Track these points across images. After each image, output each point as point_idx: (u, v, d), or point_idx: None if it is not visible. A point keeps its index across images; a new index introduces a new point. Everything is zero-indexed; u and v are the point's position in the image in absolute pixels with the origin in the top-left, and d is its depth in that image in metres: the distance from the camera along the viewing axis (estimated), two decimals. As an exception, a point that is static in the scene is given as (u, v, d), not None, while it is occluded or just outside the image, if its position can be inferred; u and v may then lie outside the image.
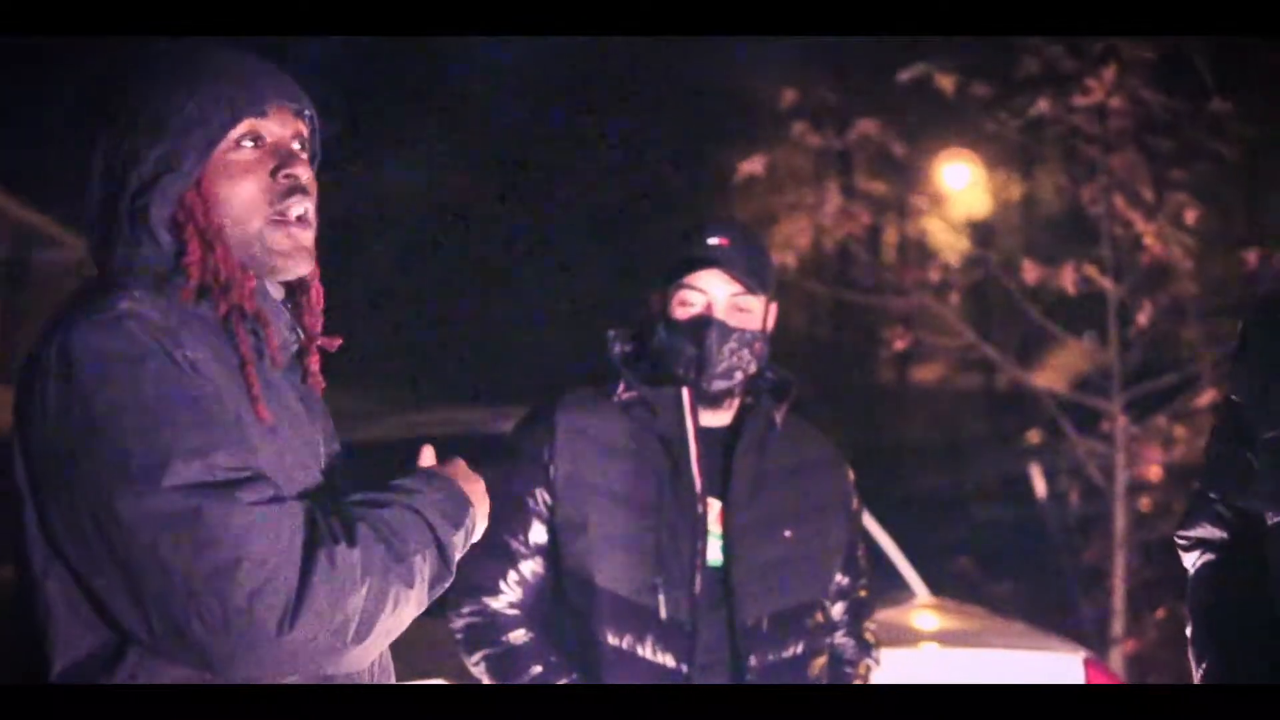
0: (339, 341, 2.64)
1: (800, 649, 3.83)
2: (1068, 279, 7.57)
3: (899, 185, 8.27)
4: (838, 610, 3.98)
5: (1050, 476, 9.56)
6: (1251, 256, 7.49)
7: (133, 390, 2.32)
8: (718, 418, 3.86)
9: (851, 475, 4.06)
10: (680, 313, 3.81)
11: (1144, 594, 7.94)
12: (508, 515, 3.81)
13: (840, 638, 3.99)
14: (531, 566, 3.81)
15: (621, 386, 3.85)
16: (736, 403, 3.88)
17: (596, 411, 3.85)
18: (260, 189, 2.49)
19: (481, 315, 14.96)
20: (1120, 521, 7.83)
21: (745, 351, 3.81)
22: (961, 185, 8.73)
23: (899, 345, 7.97)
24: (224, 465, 2.32)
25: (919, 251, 8.72)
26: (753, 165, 7.86)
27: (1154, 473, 7.85)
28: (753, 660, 3.75)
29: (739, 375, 3.81)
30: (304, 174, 2.52)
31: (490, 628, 3.78)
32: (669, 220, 12.38)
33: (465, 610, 3.81)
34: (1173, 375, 7.96)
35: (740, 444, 3.84)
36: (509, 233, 14.68)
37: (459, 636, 3.82)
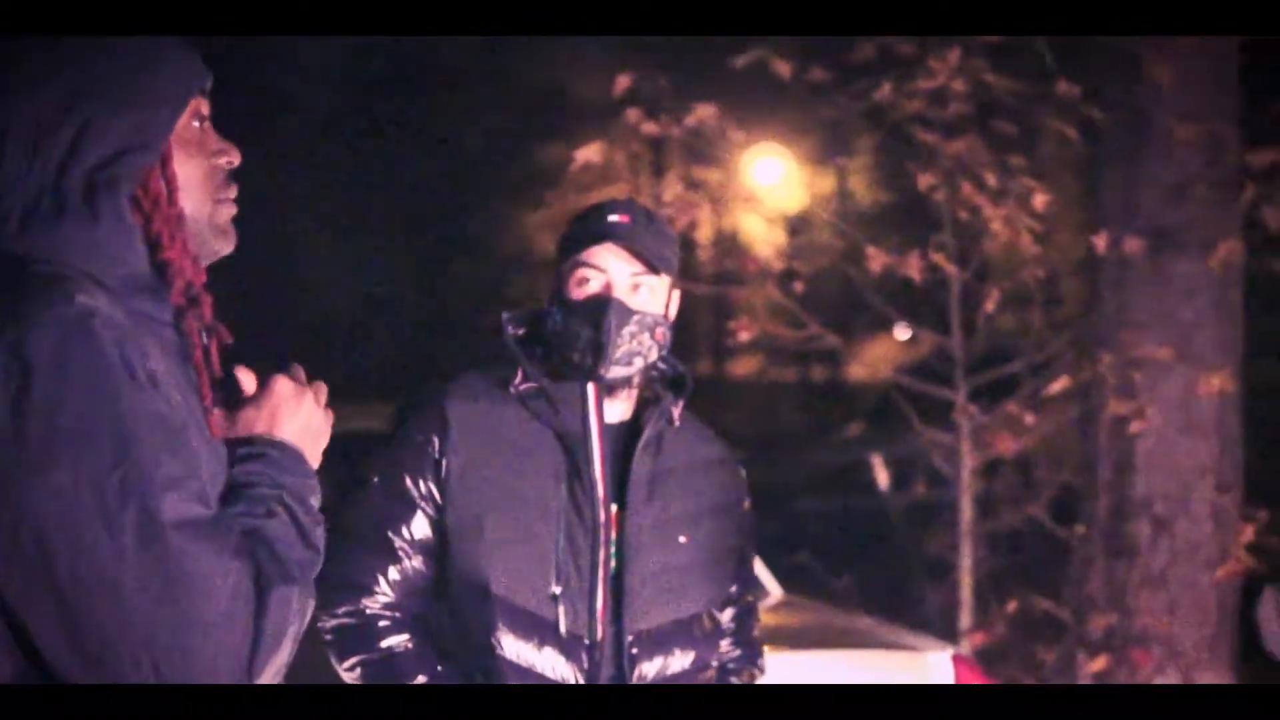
0: (230, 338, 2.45)
1: (690, 662, 3.61)
2: (912, 266, 7.46)
3: (737, 172, 8.12)
4: (726, 617, 3.77)
5: (893, 466, 9.49)
6: (1099, 241, 7.43)
7: (101, 405, 2.09)
8: (616, 412, 3.61)
9: (743, 474, 3.84)
10: (577, 292, 3.55)
11: (991, 585, 7.87)
12: (390, 509, 3.54)
13: (727, 646, 3.78)
14: (414, 565, 3.54)
15: (520, 376, 3.58)
16: (635, 395, 3.64)
17: (492, 402, 3.58)
18: (208, 169, 2.38)
19: (296, 309, 14.70)
20: (966, 512, 7.74)
21: (646, 336, 3.55)
22: (801, 172, 8.60)
23: (743, 336, 7.81)
24: (193, 498, 2.15)
25: (759, 240, 8.57)
26: (588, 153, 7.68)
27: (1000, 462, 7.78)
28: (638, 673, 3.52)
29: (639, 362, 3.56)
30: (236, 155, 2.42)
31: (365, 633, 3.51)
32: (496, 209, 12.21)
33: (340, 610, 3.52)
34: (1020, 362, 7.90)
35: (638, 443, 3.59)
36: (326, 225, 14.45)
37: (329, 638, 3.54)
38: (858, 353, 8.32)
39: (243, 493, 2.31)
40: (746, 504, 3.83)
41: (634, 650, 3.53)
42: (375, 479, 3.60)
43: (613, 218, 3.58)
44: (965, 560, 7.76)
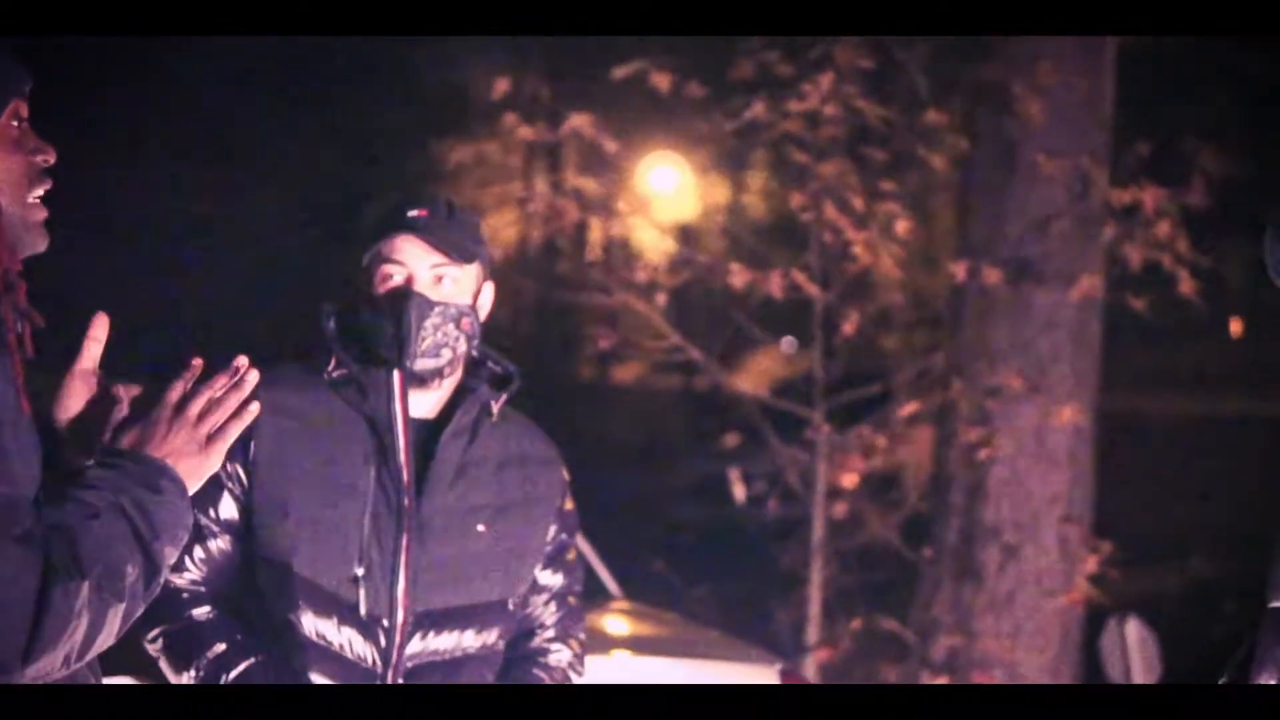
0: (42, 322, 2.50)
1: (470, 648, 3.65)
2: (775, 284, 7.53)
3: (609, 183, 8.16)
4: (550, 612, 3.81)
5: (749, 481, 9.56)
6: (959, 269, 7.54)
7: None
8: (429, 403, 3.65)
9: (566, 475, 3.87)
10: (381, 288, 3.58)
11: (840, 602, 7.95)
12: (197, 490, 3.61)
13: (545, 640, 3.81)
14: (219, 544, 3.59)
15: (333, 363, 3.61)
16: (450, 388, 3.67)
17: (303, 389, 3.61)
18: (26, 167, 2.44)
19: (185, 302, 14.63)
20: (819, 529, 7.82)
21: (451, 327, 3.58)
22: (672, 186, 8.67)
23: (603, 344, 7.87)
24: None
25: (626, 251, 8.63)
26: (462, 154, 7.72)
27: (853, 481, 7.86)
28: (410, 649, 3.57)
29: (446, 354, 3.59)
30: (52, 154, 2.47)
31: (171, 604, 3.53)
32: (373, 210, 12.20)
33: None
34: (875, 385, 7.98)
35: (446, 430, 3.63)
36: (216, 224, 14.40)
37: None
38: (729, 366, 8.36)
39: (71, 491, 2.35)
40: (569, 504, 3.85)
41: (411, 627, 3.56)
42: None
43: (411, 212, 3.61)
44: (815, 577, 7.84)
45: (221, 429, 2.52)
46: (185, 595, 3.56)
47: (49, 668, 2.25)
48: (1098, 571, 7.65)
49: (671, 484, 15.04)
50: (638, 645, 5.69)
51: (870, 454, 7.75)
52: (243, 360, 2.56)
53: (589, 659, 3.91)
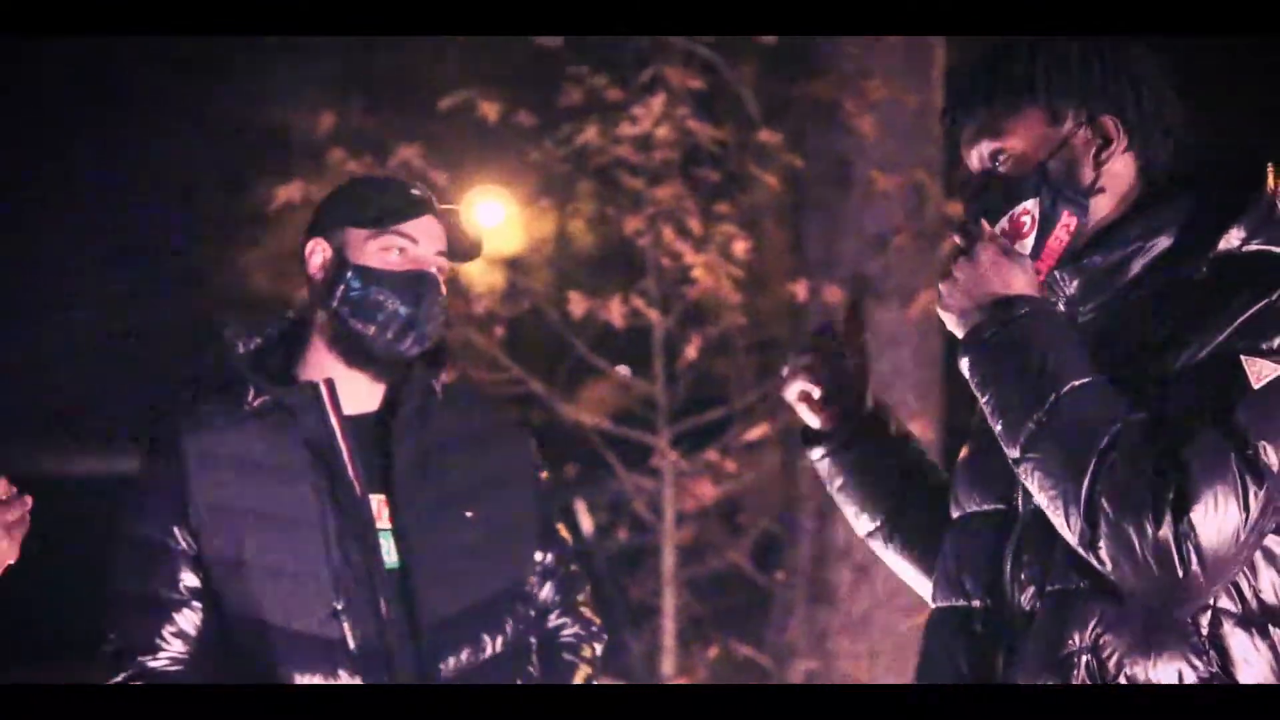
0: None
1: (499, 646, 3.44)
2: (615, 312, 7.43)
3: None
4: (547, 591, 3.60)
5: (595, 512, 9.46)
6: (799, 289, 7.49)
7: None
8: (363, 401, 3.45)
9: (534, 444, 3.68)
10: (382, 260, 3.39)
11: (694, 631, 7.87)
12: (149, 563, 3.37)
13: (555, 619, 3.61)
14: (188, 615, 3.37)
15: (251, 392, 3.41)
16: (381, 380, 3.47)
17: (228, 427, 3.41)
18: None
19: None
20: (669, 557, 7.73)
21: (442, 317, 3.44)
22: (503, 216, 8.55)
23: (444, 378, 7.71)
24: None
25: (458, 284, 8.50)
26: (290, 192, 7.56)
27: (702, 508, 7.79)
28: (445, 666, 3.36)
29: (428, 344, 3.44)
30: None
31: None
32: (202, 250, 11.98)
33: (120, 678, 3.29)
34: (720, 409, 7.91)
35: (396, 421, 3.42)
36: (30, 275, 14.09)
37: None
38: (570, 396, 8.25)
39: None
40: (543, 474, 3.68)
41: (435, 643, 3.37)
42: (126, 535, 3.45)
43: (416, 192, 3.48)
44: (668, 605, 7.75)
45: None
46: (174, 669, 3.34)
47: None
48: (950, 587, 7.61)
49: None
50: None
51: (719, 479, 7.68)
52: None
53: None
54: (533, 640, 3.57)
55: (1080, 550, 2.70)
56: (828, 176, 7.69)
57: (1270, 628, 2.72)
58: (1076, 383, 2.73)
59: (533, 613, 3.58)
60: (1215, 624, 2.71)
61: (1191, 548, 2.60)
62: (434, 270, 3.43)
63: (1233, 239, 2.82)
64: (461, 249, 3.50)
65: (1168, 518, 2.61)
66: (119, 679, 3.29)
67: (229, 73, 11.15)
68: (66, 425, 10.01)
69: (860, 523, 3.29)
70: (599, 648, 3.67)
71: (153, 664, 3.31)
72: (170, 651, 3.35)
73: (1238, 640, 2.71)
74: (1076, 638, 2.75)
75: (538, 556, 3.60)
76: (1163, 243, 2.87)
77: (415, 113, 8.08)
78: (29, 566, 2.50)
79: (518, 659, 3.51)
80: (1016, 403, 2.76)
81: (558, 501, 3.79)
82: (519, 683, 3.48)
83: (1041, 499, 2.74)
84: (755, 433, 7.71)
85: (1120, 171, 2.92)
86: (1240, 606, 2.71)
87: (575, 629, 3.64)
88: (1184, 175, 2.93)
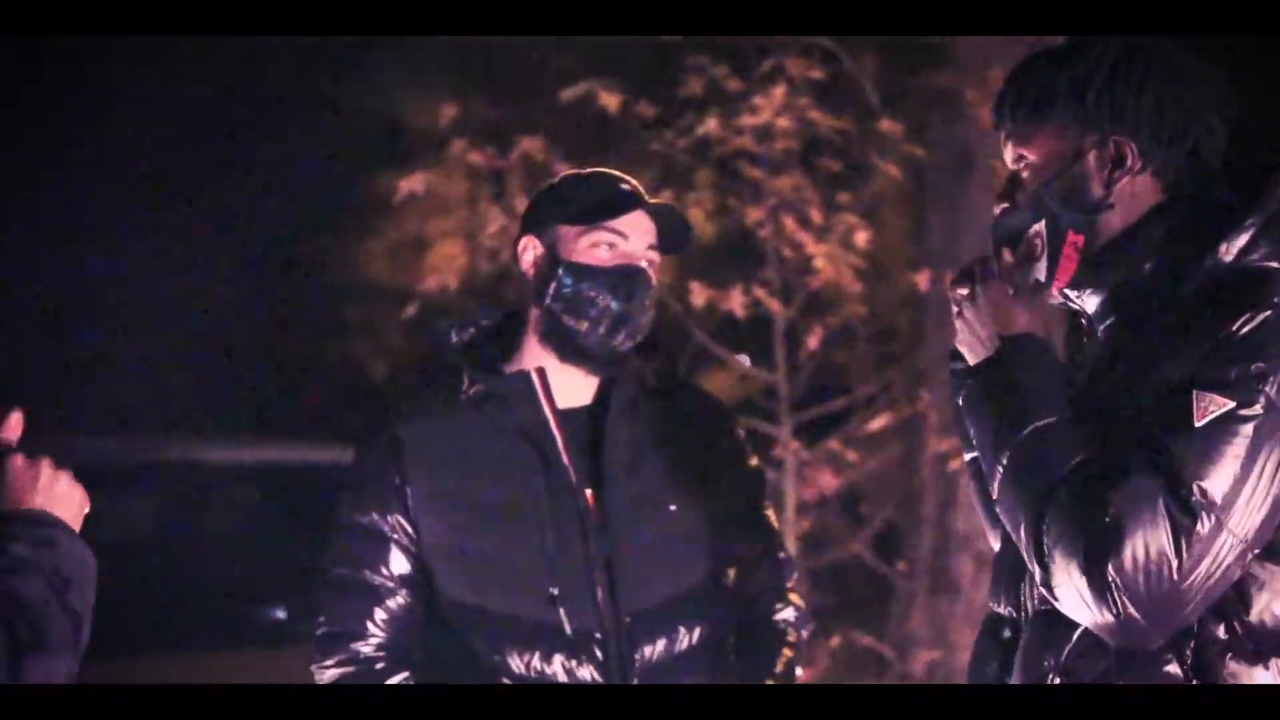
0: None
1: (695, 638, 3.44)
2: (736, 302, 7.43)
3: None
4: (760, 576, 3.57)
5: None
6: (921, 279, 7.46)
7: None
8: (578, 394, 3.46)
9: (742, 432, 3.68)
10: (593, 256, 3.40)
11: (815, 621, 7.86)
12: (363, 549, 3.42)
13: (768, 604, 3.57)
14: (399, 601, 3.42)
15: (466, 381, 3.43)
16: (597, 374, 3.47)
17: (444, 416, 3.44)
18: None
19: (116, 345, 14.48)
20: (790, 547, 7.72)
21: (652, 312, 3.44)
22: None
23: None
24: None
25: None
26: (412, 183, 7.61)
27: (823, 498, 7.78)
28: (640, 656, 3.38)
29: (640, 338, 3.43)
30: None
31: (364, 676, 3.38)
32: (324, 241, 12.08)
33: (332, 661, 3.40)
34: (841, 399, 7.90)
35: (609, 415, 3.43)
36: (148, 255, 14.22)
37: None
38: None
39: None
40: (754, 461, 3.67)
41: (633, 633, 3.38)
42: (343, 522, 3.50)
43: (625, 186, 3.48)
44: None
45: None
46: (379, 665, 3.40)
47: None
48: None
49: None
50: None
51: (840, 469, 7.67)
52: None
53: None
54: (732, 640, 3.54)
55: (1041, 589, 2.70)
56: (949, 166, 7.68)
57: (1263, 656, 2.65)
58: (1040, 423, 2.71)
59: (737, 604, 3.56)
60: (1201, 652, 2.65)
61: (1120, 593, 2.56)
62: (644, 264, 3.43)
63: (1222, 253, 2.74)
64: (672, 241, 3.50)
65: (1099, 563, 2.57)
66: (330, 663, 3.40)
67: (353, 66, 11.22)
68: (198, 415, 10.12)
69: None
70: (805, 634, 3.64)
71: (364, 650, 3.39)
72: (378, 638, 3.39)
73: (1229, 670, 2.64)
74: (1051, 660, 2.75)
75: (748, 544, 3.59)
76: (1165, 257, 2.80)
77: (537, 104, 8.10)
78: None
79: (714, 652, 3.50)
80: (988, 445, 2.78)
81: (768, 488, 3.77)
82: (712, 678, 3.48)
83: (1013, 536, 2.73)
84: (877, 423, 7.69)
85: (1139, 190, 2.84)
86: (1229, 634, 2.65)
87: (787, 613, 3.60)
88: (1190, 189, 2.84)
